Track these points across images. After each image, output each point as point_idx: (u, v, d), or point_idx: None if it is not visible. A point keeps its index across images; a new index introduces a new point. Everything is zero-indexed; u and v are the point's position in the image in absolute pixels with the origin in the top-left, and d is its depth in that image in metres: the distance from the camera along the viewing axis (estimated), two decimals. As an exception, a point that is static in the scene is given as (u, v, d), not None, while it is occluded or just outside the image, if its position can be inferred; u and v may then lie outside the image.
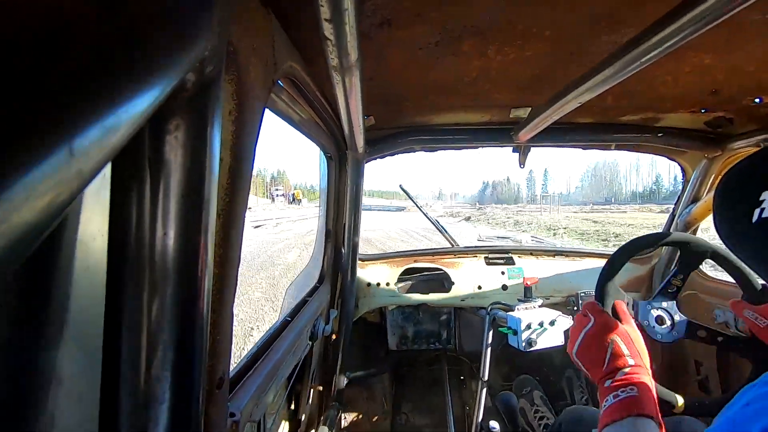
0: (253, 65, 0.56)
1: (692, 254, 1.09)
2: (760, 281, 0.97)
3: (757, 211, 0.39)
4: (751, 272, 1.00)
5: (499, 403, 1.93)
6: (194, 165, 0.37)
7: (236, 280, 0.60)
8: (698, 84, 1.10)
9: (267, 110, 0.72)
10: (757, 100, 1.18)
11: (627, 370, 0.77)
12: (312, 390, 1.59)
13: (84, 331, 0.34)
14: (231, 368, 0.69)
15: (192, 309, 0.40)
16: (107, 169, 0.33)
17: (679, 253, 1.14)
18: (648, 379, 0.75)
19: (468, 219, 38.19)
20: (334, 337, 1.83)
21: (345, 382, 1.92)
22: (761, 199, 0.39)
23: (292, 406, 1.42)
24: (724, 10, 0.53)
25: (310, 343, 1.35)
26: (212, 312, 0.54)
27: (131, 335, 0.36)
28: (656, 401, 0.71)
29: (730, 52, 0.90)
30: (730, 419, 0.47)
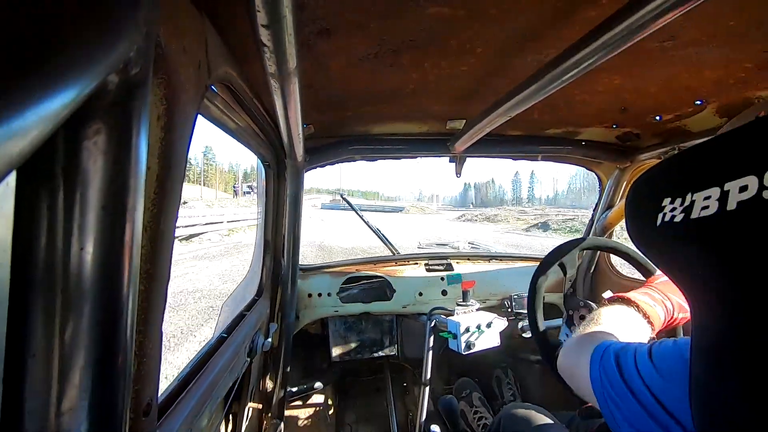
0: (184, 68, 0.54)
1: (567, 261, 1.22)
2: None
3: (660, 216, 0.43)
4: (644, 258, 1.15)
5: (441, 407, 1.97)
6: (117, 174, 0.34)
7: (165, 297, 0.56)
8: (610, 102, 1.23)
9: (200, 117, 0.69)
10: (657, 118, 1.34)
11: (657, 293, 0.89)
12: (251, 408, 1.52)
13: None
14: (160, 392, 0.63)
15: (113, 330, 0.37)
16: (11, 178, 0.29)
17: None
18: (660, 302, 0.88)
19: (545, 227, 27.09)
20: (274, 351, 1.77)
21: (286, 398, 1.85)
22: (663, 205, 0.43)
23: (230, 427, 1.34)
24: (628, 38, 0.61)
25: (249, 359, 1.29)
26: (138, 333, 0.49)
27: (39, 363, 0.32)
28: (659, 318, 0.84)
29: (635, 75, 1.01)
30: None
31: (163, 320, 0.56)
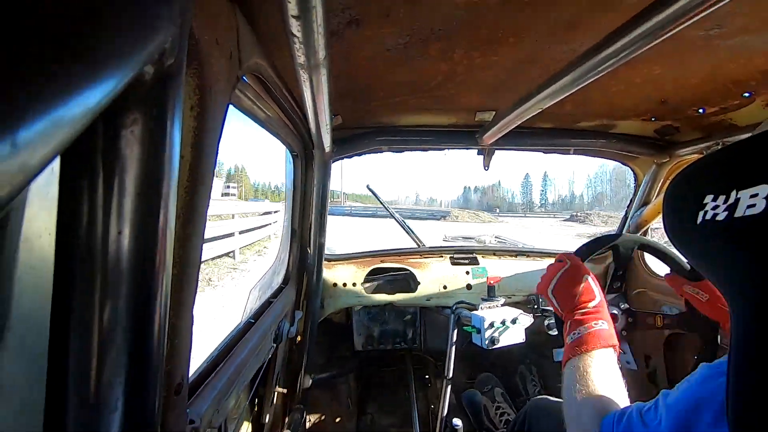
0: (216, 59, 0.55)
1: (621, 250, 1.17)
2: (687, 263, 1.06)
3: (701, 214, 0.41)
4: (678, 254, 1.09)
5: (465, 401, 1.97)
6: (152, 162, 0.35)
7: (197, 281, 0.58)
8: (648, 94, 1.18)
9: (231, 107, 0.71)
10: (700, 111, 1.27)
11: (596, 303, 0.89)
12: (276, 393, 1.56)
13: (27, 335, 0.32)
14: (191, 373, 0.66)
15: (148, 311, 0.39)
16: (56, 164, 0.31)
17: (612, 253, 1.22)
18: (608, 314, 0.88)
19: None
20: (299, 338, 1.81)
21: (310, 384, 1.90)
22: (704, 202, 0.41)
23: (255, 410, 1.39)
24: (671, 26, 0.57)
25: (275, 345, 1.32)
26: (171, 315, 0.52)
27: (80, 339, 0.34)
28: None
29: (677, 66, 0.96)
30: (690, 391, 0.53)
31: (194, 304, 0.58)
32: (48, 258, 0.32)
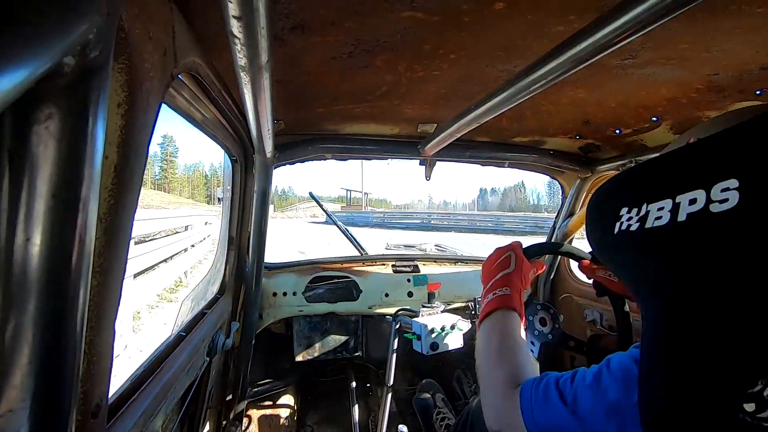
0: (148, 55, 0.51)
1: None
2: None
3: (617, 224, 0.46)
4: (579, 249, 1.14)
5: (417, 406, 1.99)
6: (70, 161, 0.32)
7: (120, 292, 0.54)
8: (574, 114, 1.29)
9: (165, 107, 0.66)
10: (617, 131, 1.41)
11: (507, 271, 0.92)
12: (209, 409, 1.47)
13: None
14: (112, 392, 0.60)
15: (60, 327, 0.35)
16: None
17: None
18: (519, 285, 0.91)
19: None
20: (235, 351, 1.72)
21: (247, 398, 1.81)
22: (621, 214, 0.46)
23: (187, 429, 1.29)
24: (591, 54, 0.65)
25: (208, 359, 1.25)
26: (89, 329, 0.47)
27: None
28: (521, 300, 0.88)
29: (598, 90, 1.06)
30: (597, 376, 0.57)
31: (116, 317, 0.54)
32: None
